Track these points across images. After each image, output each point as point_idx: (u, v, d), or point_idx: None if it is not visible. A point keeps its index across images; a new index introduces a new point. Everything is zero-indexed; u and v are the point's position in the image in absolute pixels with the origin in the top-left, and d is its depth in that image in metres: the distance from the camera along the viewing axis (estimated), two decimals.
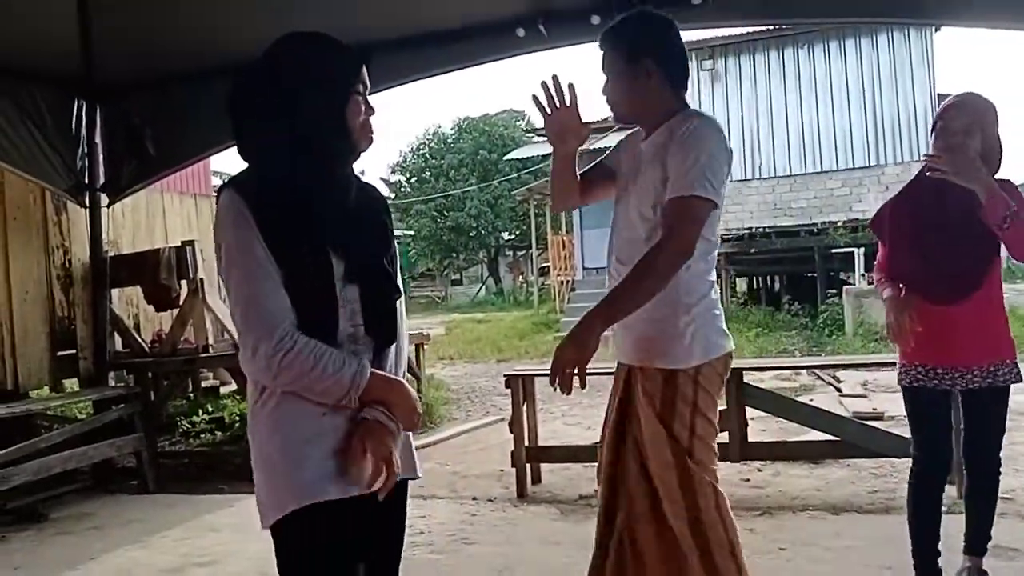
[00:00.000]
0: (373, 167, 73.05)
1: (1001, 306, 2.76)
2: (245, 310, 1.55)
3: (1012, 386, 2.74)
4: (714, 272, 2.32)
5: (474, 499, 4.73)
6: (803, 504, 4.25)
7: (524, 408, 4.80)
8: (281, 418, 1.59)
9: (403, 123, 78.67)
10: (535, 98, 2.24)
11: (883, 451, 4.39)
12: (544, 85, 2.22)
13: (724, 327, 2.36)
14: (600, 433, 2.43)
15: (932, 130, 2.71)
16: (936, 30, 14.38)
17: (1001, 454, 2.78)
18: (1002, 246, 2.62)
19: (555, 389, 1.99)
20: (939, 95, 13.78)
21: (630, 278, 2.08)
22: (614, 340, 2.35)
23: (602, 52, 2.27)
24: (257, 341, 1.53)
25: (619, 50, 2.23)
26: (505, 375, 5.04)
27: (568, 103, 2.22)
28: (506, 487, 4.90)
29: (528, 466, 4.82)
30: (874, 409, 6.32)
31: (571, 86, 2.21)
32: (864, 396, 7.25)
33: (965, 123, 2.59)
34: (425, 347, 8.20)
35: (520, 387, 4.79)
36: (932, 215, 2.66)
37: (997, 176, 2.66)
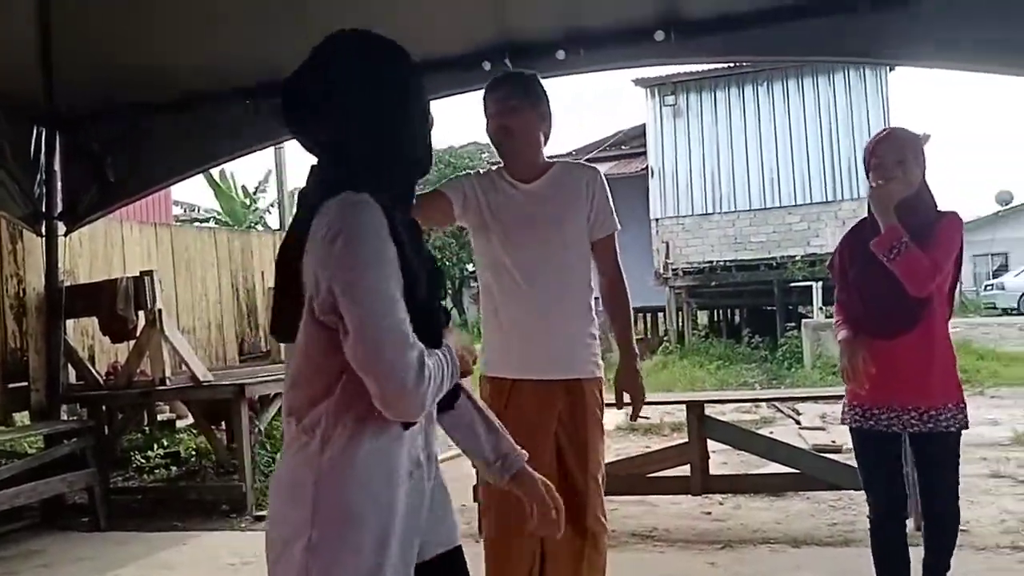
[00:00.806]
0: None
1: (946, 347, 2.66)
2: (395, 339, 1.28)
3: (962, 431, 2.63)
4: None
5: None
6: (764, 537, 4.26)
7: None
8: (369, 477, 1.35)
9: None
10: None
11: (842, 484, 4.43)
12: None
13: None
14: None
15: (867, 168, 2.70)
16: (891, 70, 14.82)
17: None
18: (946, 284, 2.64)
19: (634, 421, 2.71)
20: None
21: (624, 315, 2.65)
22: (525, 360, 2.55)
23: (502, 95, 2.53)
24: (407, 371, 1.28)
25: (531, 97, 2.55)
26: None
27: None
28: (467, 523, 4.83)
29: None
30: (833, 442, 6.39)
31: None
32: (823, 428, 7.33)
33: (899, 155, 2.61)
34: None
35: None
36: (870, 252, 2.64)
37: (943, 208, 2.67)
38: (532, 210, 2.55)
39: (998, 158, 72.87)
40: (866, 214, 2.80)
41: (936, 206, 2.69)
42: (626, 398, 2.61)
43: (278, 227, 16.34)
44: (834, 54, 4.52)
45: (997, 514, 4.40)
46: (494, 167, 2.69)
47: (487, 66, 4.22)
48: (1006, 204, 30.12)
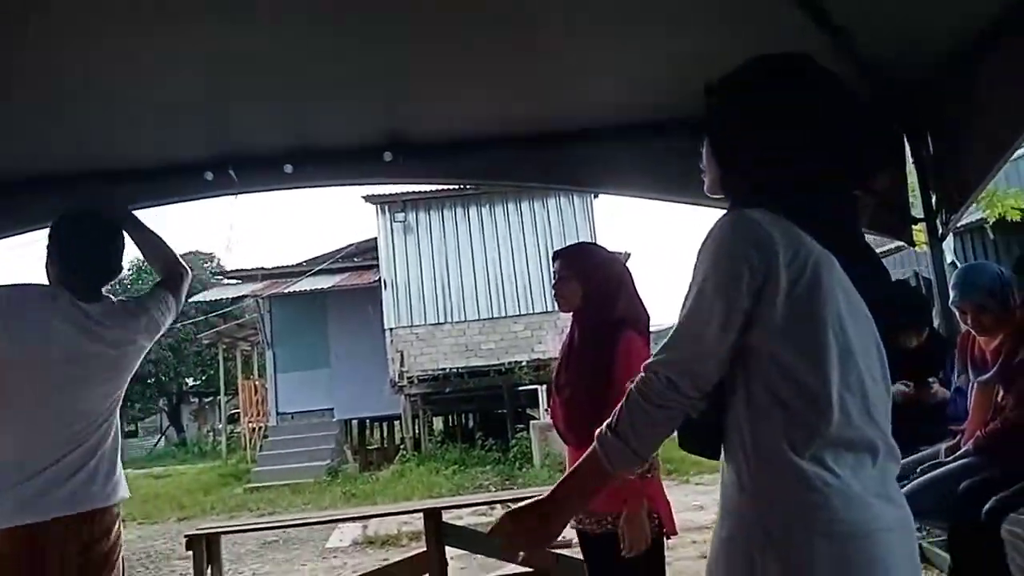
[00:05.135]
0: None
1: None
2: None
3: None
4: None
5: None
6: None
7: (209, 572, 4.41)
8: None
9: None
10: None
11: None
12: None
13: None
14: None
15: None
16: (595, 196, 16.59)
17: None
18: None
19: None
20: None
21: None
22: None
23: None
24: None
25: None
26: (186, 535, 4.61)
27: None
28: None
29: None
30: (563, 537, 6.67)
31: None
32: None
33: (564, 269, 2.91)
34: None
35: (204, 548, 4.42)
36: (563, 360, 2.90)
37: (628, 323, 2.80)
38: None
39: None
40: None
41: (619, 319, 2.81)
42: None
43: None
44: (543, 181, 5.00)
45: None
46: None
47: (209, 176, 4.13)
48: None
